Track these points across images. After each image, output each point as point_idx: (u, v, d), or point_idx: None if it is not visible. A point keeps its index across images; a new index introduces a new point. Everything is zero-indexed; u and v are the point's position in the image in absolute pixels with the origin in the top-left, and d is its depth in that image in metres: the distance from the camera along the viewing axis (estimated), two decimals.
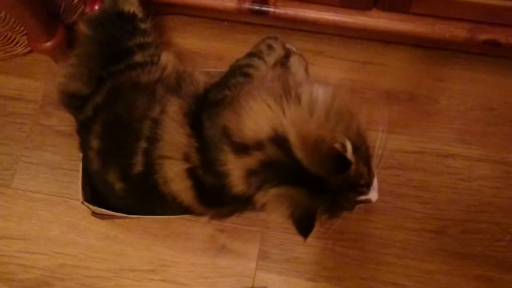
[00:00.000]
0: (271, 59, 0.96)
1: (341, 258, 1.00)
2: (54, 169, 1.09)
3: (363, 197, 0.78)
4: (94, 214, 1.00)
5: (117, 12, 0.98)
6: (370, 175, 0.78)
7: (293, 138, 0.73)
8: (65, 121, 1.09)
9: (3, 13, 1.03)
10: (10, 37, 1.11)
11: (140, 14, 0.99)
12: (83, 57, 0.96)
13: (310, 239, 0.99)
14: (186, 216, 1.01)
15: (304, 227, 0.75)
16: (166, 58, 0.98)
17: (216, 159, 0.79)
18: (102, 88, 0.93)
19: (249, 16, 1.08)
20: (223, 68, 1.04)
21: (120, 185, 0.89)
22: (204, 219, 0.92)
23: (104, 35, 0.97)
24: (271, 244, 1.02)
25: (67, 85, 0.95)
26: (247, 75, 0.90)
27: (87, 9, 1.15)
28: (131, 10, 0.99)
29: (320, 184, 0.73)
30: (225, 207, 0.82)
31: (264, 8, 1.06)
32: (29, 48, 1.15)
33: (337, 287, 0.98)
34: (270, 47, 0.98)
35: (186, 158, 0.83)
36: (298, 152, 0.72)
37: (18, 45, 1.14)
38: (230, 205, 0.81)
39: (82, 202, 0.92)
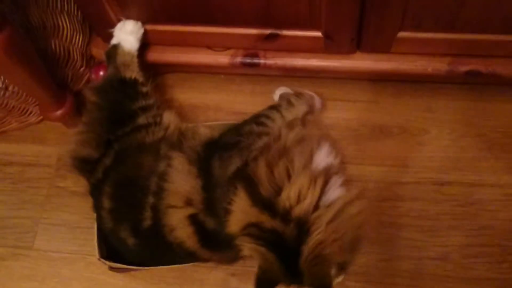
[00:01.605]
0: (288, 114, 1.01)
1: None
2: (72, 228, 1.15)
3: None
4: (111, 268, 1.06)
5: (120, 79, 1.06)
6: None
7: (314, 241, 0.78)
8: (79, 182, 1.15)
9: (16, 88, 1.13)
10: (24, 108, 1.20)
11: (141, 79, 1.07)
12: (91, 124, 1.04)
13: None
14: (199, 264, 1.07)
15: (262, 285, 0.80)
16: (168, 118, 1.05)
17: (222, 196, 0.86)
18: (110, 151, 1.00)
19: (242, 68, 1.16)
20: (222, 119, 1.12)
21: (132, 240, 0.95)
22: (214, 264, 0.98)
23: (109, 101, 1.05)
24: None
25: (78, 151, 1.03)
26: (262, 125, 0.96)
27: (93, 76, 1.25)
28: (133, 76, 1.07)
29: (298, 277, 0.79)
30: (229, 251, 0.87)
31: (255, 61, 1.14)
32: (41, 117, 1.24)
33: None
34: (289, 102, 1.03)
35: (188, 202, 0.89)
36: (306, 248, 0.78)
37: (31, 115, 1.23)
38: (232, 248, 0.87)
39: (99, 259, 0.99)
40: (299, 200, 0.81)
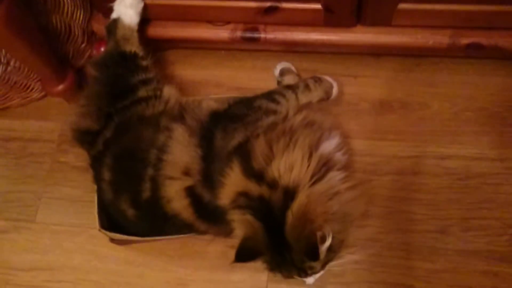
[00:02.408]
0: (303, 97, 1.00)
1: (347, 264, 1.04)
2: (74, 202, 1.17)
3: (300, 278, 0.87)
4: (112, 240, 1.07)
5: (120, 52, 1.07)
6: (320, 270, 0.87)
7: (298, 203, 0.79)
8: (80, 157, 1.16)
9: (17, 63, 1.13)
10: (26, 84, 1.21)
11: (140, 53, 1.07)
12: (91, 97, 1.05)
13: None
14: (199, 237, 1.07)
15: (242, 255, 0.82)
16: (169, 92, 1.05)
17: (219, 169, 0.86)
18: (111, 123, 1.01)
19: (242, 43, 1.16)
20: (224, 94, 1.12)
21: (132, 211, 0.96)
22: (213, 237, 0.99)
23: (110, 75, 1.05)
24: None
25: (78, 123, 1.04)
26: (274, 101, 0.96)
27: (94, 52, 1.25)
28: (132, 50, 1.07)
29: (283, 246, 0.81)
30: (224, 225, 0.87)
31: (255, 35, 1.14)
32: (43, 93, 1.25)
33: None
34: (307, 86, 1.02)
35: (186, 172, 0.90)
36: (291, 215, 0.79)
37: (33, 91, 1.24)
38: (227, 223, 0.87)
39: (99, 230, 1.00)
40: (288, 170, 0.82)
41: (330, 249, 0.82)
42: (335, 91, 1.06)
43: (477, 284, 0.99)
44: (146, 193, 0.94)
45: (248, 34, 1.14)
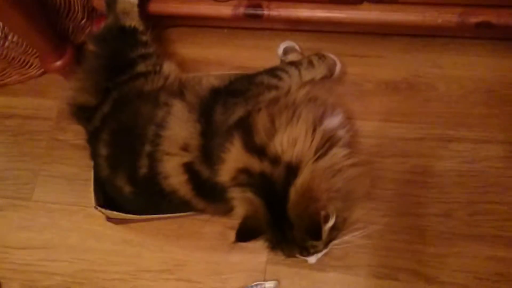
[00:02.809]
0: (307, 74, 0.96)
1: (349, 247, 1.01)
2: (71, 180, 1.15)
3: (302, 257, 0.84)
4: (108, 219, 1.05)
5: (119, 27, 1.04)
6: (323, 249, 0.84)
7: (302, 179, 0.77)
8: (79, 135, 1.14)
9: (16, 38, 1.11)
10: (24, 60, 1.19)
11: (140, 28, 1.05)
12: (89, 71, 1.03)
13: None
14: (197, 217, 1.05)
15: (243, 234, 0.80)
16: (169, 68, 1.03)
17: (219, 144, 0.84)
18: (109, 98, 0.99)
19: (245, 21, 1.13)
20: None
21: (128, 188, 0.94)
22: (211, 217, 0.97)
23: (109, 49, 1.03)
24: None
25: (75, 97, 1.01)
26: (276, 77, 0.93)
27: (94, 28, 1.22)
28: (132, 25, 1.05)
29: (284, 224, 0.78)
30: (223, 203, 0.85)
31: (258, 12, 1.10)
32: (42, 70, 1.23)
33: (347, 276, 0.99)
34: (310, 62, 0.98)
35: (184, 148, 0.87)
36: (294, 191, 0.76)
37: (32, 67, 1.22)
38: (226, 201, 0.84)
39: (95, 207, 0.97)
40: (291, 145, 0.79)
41: (333, 227, 0.80)
42: (338, 68, 1.02)
43: (482, 269, 0.96)
44: (143, 170, 0.91)
45: (251, 11, 1.11)
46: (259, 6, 1.10)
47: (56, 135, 1.20)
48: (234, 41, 1.23)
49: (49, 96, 1.24)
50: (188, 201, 0.91)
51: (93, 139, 0.99)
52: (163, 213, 0.97)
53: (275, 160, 0.79)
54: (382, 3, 1.06)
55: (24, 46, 1.14)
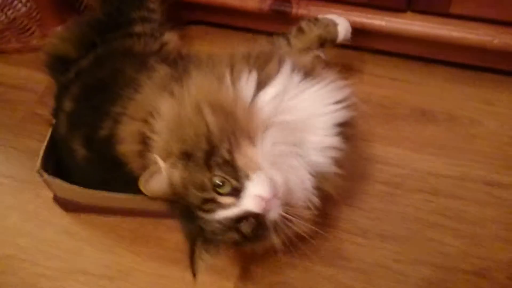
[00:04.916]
0: (298, 42, 0.81)
1: None
2: (34, 156, 0.95)
3: (224, 214, 0.59)
4: (56, 199, 0.86)
5: None
6: (237, 180, 0.59)
7: None
8: None
9: None
10: (26, 25, 1.10)
11: None
12: (81, 23, 0.91)
13: (305, 262, 0.78)
14: (160, 221, 0.85)
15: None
16: (170, 37, 0.91)
17: None
18: (91, 54, 0.85)
19: (270, 18, 1.00)
20: None
21: (83, 151, 0.77)
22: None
23: (110, 6, 0.92)
24: (256, 263, 0.80)
25: (56, 46, 0.89)
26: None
27: None
28: None
29: None
30: None
31: (286, 8, 0.98)
32: (42, 42, 1.12)
33: None
34: (299, 29, 0.83)
35: (146, 119, 0.68)
36: None
37: (32, 35, 1.11)
38: None
39: (37, 171, 0.79)
40: None
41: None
42: (342, 29, 0.83)
43: None
44: (104, 131, 0.74)
45: (279, 6, 0.98)
46: (288, 2, 0.98)
47: (35, 109, 1.05)
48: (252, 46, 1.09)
49: (42, 70, 1.11)
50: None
51: (61, 93, 0.84)
52: (112, 190, 0.77)
53: None
54: (429, 14, 0.91)
55: (28, 7, 1.04)
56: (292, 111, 0.65)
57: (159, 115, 0.64)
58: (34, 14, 1.07)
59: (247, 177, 0.58)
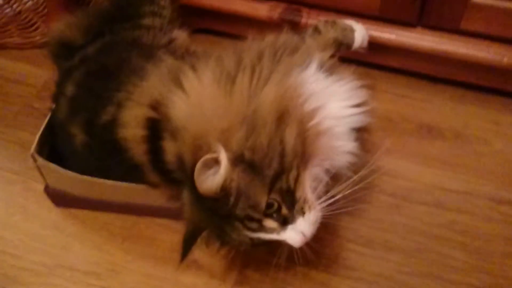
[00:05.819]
0: (313, 41, 0.78)
1: None
2: (26, 149, 0.91)
3: (261, 235, 0.58)
4: (47, 190, 0.82)
5: None
6: (293, 210, 0.58)
7: None
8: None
9: None
10: (31, 19, 1.08)
11: None
12: (90, 13, 0.91)
13: (306, 269, 0.75)
14: (154, 220, 0.81)
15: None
16: (179, 34, 0.91)
17: None
18: (98, 41, 0.84)
19: (280, 26, 0.99)
20: None
21: (82, 137, 0.74)
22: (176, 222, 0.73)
23: (121, 2, 0.91)
24: (254, 268, 0.76)
25: (63, 32, 0.88)
26: None
27: None
28: None
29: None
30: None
31: (296, 18, 0.98)
32: (45, 39, 1.10)
33: None
34: (316, 29, 0.81)
35: (154, 106, 0.66)
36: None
37: (36, 31, 1.10)
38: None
39: (32, 155, 0.76)
40: None
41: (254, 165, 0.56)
42: (359, 36, 0.82)
43: None
44: (106, 117, 0.71)
45: (289, 16, 0.98)
46: (298, 11, 0.98)
47: (32, 102, 1.02)
48: None
49: (43, 67, 1.08)
50: (140, 167, 0.67)
51: (63, 78, 0.81)
52: (110, 178, 0.73)
53: None
54: (439, 29, 0.91)
55: (34, 1, 1.03)
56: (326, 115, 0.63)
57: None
58: (40, 8, 1.06)
59: (301, 212, 0.58)
